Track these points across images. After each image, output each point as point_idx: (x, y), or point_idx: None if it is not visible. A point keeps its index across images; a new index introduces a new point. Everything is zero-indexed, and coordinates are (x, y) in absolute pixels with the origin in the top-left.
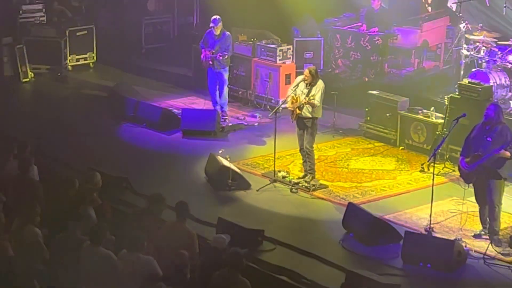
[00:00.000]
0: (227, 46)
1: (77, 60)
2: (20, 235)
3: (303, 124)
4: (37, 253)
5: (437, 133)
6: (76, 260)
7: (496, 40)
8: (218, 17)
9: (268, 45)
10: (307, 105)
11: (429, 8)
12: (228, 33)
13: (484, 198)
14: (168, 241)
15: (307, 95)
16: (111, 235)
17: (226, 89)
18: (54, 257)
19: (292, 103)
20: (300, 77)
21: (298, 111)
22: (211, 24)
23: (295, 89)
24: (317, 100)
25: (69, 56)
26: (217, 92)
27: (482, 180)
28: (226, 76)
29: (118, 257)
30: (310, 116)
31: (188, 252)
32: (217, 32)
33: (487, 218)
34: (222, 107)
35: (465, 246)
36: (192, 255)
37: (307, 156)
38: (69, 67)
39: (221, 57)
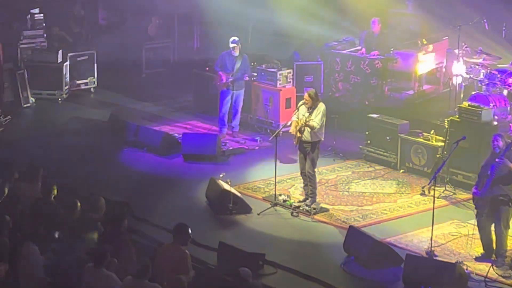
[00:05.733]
0: (247, 67)
1: (78, 85)
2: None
3: (304, 148)
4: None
5: (438, 156)
6: (78, 281)
7: (496, 63)
8: (237, 38)
9: (269, 69)
10: (307, 128)
11: (429, 32)
12: (246, 54)
13: (490, 221)
14: (161, 262)
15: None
16: (114, 258)
17: (240, 110)
18: (58, 278)
19: (295, 127)
20: (302, 102)
21: (299, 135)
22: (232, 44)
23: (297, 113)
24: (316, 122)
25: (70, 81)
26: (227, 114)
27: (493, 206)
28: (242, 97)
29: (123, 283)
30: (310, 140)
31: (181, 272)
32: (237, 53)
33: (491, 241)
34: (234, 128)
35: (467, 269)
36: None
37: (309, 180)
38: (70, 92)
39: (247, 78)
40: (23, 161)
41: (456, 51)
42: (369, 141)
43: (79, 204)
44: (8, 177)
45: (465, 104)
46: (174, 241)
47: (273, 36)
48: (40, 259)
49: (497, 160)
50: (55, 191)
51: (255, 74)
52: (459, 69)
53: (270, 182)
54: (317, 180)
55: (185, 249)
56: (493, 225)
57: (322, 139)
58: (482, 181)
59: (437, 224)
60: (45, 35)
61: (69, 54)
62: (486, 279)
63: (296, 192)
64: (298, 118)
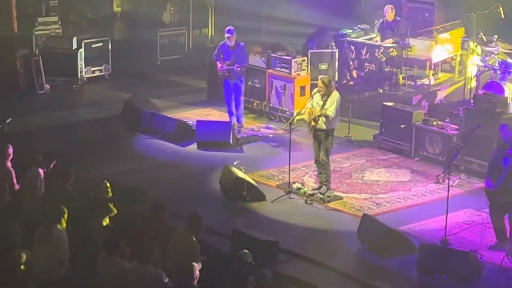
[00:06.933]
0: (243, 57)
1: (93, 71)
2: (47, 234)
3: (318, 136)
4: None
5: (452, 144)
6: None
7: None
8: (232, 27)
9: (283, 57)
10: (322, 117)
11: (444, 20)
12: (242, 43)
13: (503, 212)
14: (173, 249)
15: (323, 107)
16: (126, 247)
17: (242, 100)
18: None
19: (309, 114)
20: (316, 89)
21: (313, 123)
22: (227, 34)
23: (311, 101)
24: (331, 111)
25: (85, 68)
26: (233, 103)
27: (506, 198)
28: (242, 87)
29: (130, 268)
30: (325, 128)
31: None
32: (232, 43)
33: (505, 231)
34: (238, 119)
35: (481, 258)
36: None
37: (323, 167)
38: (84, 78)
39: (238, 68)
40: (37, 148)
41: (471, 39)
42: (383, 129)
43: (92, 192)
44: (31, 163)
45: (480, 92)
46: (186, 229)
47: (288, 24)
48: (66, 243)
49: (508, 152)
50: (73, 178)
51: (245, 64)
52: (474, 57)
53: (284, 169)
54: (331, 168)
55: (196, 238)
56: (506, 215)
57: (337, 127)
58: (494, 173)
59: (451, 212)
60: (60, 22)
61: (84, 41)
62: (500, 268)
63: (310, 180)
64: (312, 105)
